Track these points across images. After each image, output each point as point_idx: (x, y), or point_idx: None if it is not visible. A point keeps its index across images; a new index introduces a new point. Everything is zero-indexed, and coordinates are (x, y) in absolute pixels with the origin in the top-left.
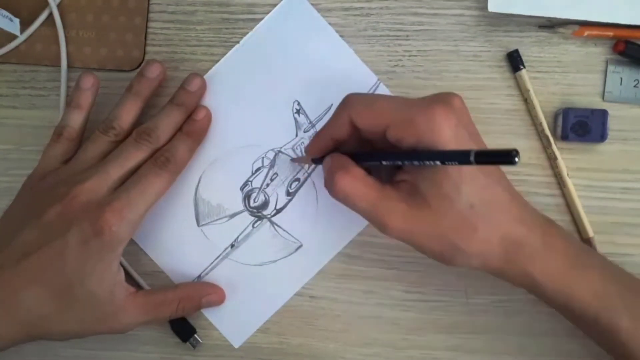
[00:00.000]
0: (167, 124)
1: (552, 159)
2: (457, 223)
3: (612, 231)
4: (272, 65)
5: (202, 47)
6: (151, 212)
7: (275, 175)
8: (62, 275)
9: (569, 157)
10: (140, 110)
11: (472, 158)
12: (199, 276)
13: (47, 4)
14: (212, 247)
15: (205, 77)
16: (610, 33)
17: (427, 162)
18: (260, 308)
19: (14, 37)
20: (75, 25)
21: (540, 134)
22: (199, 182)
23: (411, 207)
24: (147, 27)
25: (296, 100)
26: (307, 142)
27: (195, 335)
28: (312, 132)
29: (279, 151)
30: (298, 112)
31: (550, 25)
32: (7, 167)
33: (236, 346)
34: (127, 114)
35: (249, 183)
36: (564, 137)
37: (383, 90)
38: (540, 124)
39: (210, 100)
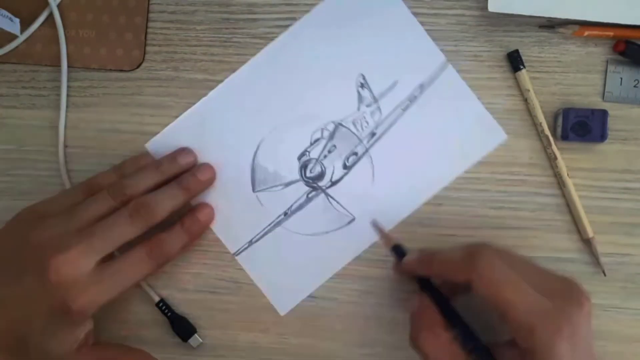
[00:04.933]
0: (168, 205)
1: (552, 159)
2: None
3: (612, 231)
4: (339, 36)
5: (202, 47)
6: None
7: (333, 148)
8: (21, 338)
9: (569, 157)
10: (156, 187)
11: None
12: (250, 241)
13: (47, 4)
14: (265, 214)
15: (271, 45)
16: (610, 33)
17: None
18: (308, 278)
19: (14, 37)
20: (75, 25)
21: (540, 134)
22: (257, 149)
23: None
24: (147, 27)
25: (361, 74)
26: (368, 117)
27: (196, 335)
28: (374, 107)
29: (339, 124)
30: (362, 85)
31: (550, 25)
32: (7, 167)
33: (282, 314)
34: (143, 188)
35: (307, 153)
36: (564, 137)
37: (452, 73)
38: (540, 124)
39: (275, 67)
